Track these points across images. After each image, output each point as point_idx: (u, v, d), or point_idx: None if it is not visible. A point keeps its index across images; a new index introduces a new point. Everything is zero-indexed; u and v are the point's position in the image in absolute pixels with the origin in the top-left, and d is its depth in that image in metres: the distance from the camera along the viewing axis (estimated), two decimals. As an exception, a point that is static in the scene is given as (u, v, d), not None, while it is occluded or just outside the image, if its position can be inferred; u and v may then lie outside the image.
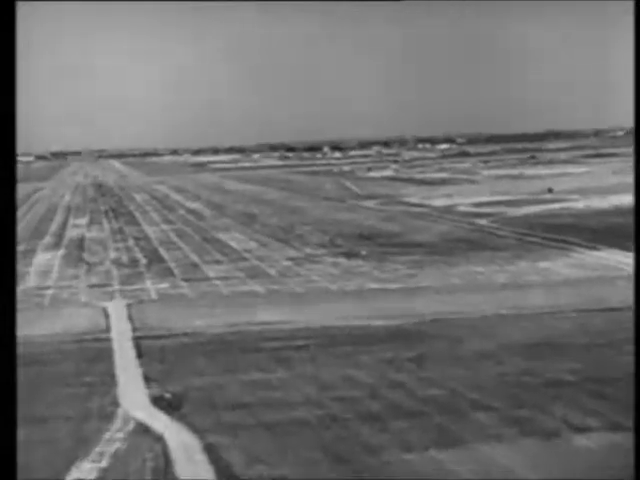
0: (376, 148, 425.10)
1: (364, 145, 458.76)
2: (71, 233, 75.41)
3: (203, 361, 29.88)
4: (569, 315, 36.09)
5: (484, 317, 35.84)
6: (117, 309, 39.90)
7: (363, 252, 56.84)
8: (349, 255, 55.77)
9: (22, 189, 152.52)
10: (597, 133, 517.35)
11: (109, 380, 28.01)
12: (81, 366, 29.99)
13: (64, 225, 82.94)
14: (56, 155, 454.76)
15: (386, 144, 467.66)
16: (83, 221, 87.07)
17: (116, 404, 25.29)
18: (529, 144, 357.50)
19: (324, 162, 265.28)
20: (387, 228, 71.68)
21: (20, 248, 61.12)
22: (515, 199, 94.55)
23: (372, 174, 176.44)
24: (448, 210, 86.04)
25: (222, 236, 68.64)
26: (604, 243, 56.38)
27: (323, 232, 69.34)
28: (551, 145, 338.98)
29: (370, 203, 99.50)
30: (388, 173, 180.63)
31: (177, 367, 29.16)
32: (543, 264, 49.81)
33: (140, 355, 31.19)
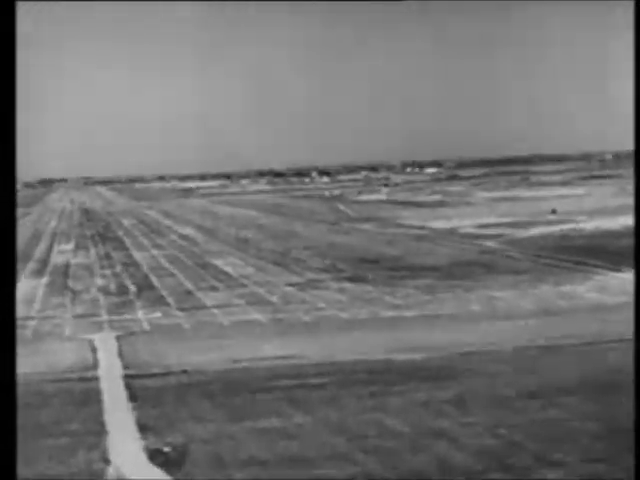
0: (364, 173, 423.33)
1: (352, 170, 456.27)
2: (56, 259, 71.28)
3: (206, 405, 25.82)
4: (611, 345, 32.20)
5: (518, 349, 31.92)
6: (106, 342, 35.88)
7: (369, 276, 53.07)
8: (354, 280, 51.97)
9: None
10: (585, 157, 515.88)
11: (97, 428, 23.92)
12: (65, 411, 25.85)
13: (49, 251, 78.76)
14: (43, 183, 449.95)
15: (373, 169, 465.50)
16: (69, 247, 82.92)
17: (105, 460, 21.17)
18: (518, 167, 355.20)
19: (313, 187, 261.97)
20: (389, 251, 67.96)
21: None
22: (518, 221, 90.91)
23: (363, 197, 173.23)
24: (451, 232, 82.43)
25: (217, 262, 64.66)
26: (624, 264, 52.57)
27: (322, 256, 65.65)
28: (539, 168, 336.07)
29: (366, 226, 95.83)
30: (379, 197, 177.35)
31: (176, 412, 25.06)
32: (566, 288, 46.12)
33: (133, 397, 27.05)
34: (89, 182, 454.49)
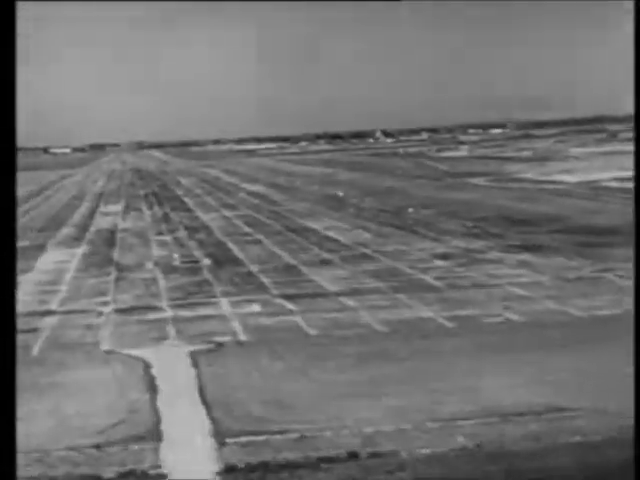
0: (425, 134, 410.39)
1: (412, 131, 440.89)
2: (99, 223, 54.92)
3: None
4: None
5: None
6: (172, 367, 19.33)
7: (554, 243, 35.94)
8: (531, 249, 34.81)
9: (45, 177, 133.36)
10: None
11: None
12: None
13: (91, 214, 62.36)
14: (94, 147, 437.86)
15: (433, 130, 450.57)
16: (116, 208, 66.51)
17: None
18: (589, 126, 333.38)
19: (380, 146, 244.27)
20: (541, 209, 50.71)
21: (20, 244, 40.58)
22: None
23: (445, 154, 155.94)
24: (593, 187, 64.86)
25: (313, 224, 47.81)
26: None
27: (450, 215, 48.67)
28: (614, 127, 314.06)
29: (478, 180, 78.45)
30: (462, 153, 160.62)
31: None
32: None
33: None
34: (142, 146, 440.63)
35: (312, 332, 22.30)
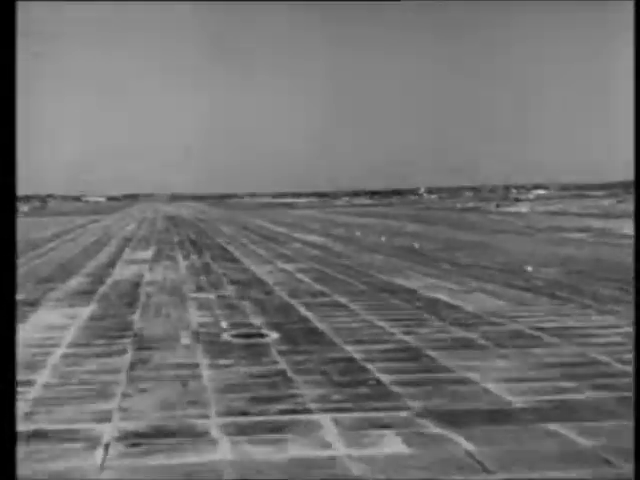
0: (467, 193, 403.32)
1: (455, 190, 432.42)
2: (120, 272, 42.35)
3: None
4: None
5: None
6: None
7: None
8: None
9: (70, 222, 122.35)
10: None
11: None
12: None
13: (112, 261, 49.89)
14: (127, 197, 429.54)
15: (474, 189, 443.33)
16: (144, 255, 54.04)
17: None
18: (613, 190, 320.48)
19: (426, 202, 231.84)
20: None
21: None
22: None
23: (506, 209, 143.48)
24: None
25: (404, 282, 35.11)
26: None
27: (584, 275, 35.90)
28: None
29: (574, 235, 65.50)
30: (521, 209, 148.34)
31: None
32: None
33: None
34: (177, 197, 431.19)
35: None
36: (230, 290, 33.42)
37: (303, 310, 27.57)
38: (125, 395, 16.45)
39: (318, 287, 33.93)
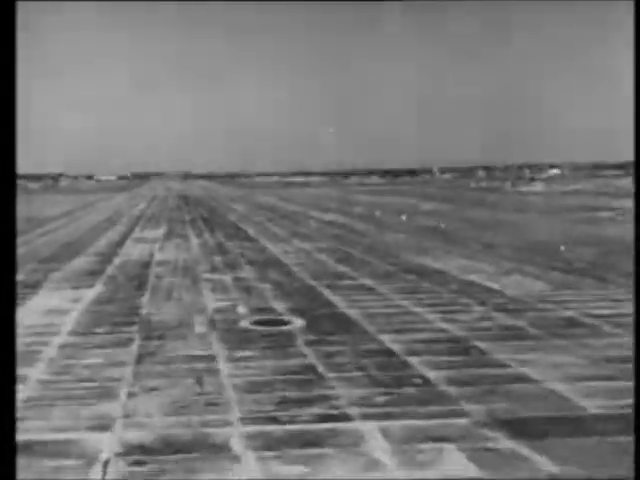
0: (480, 172, 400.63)
1: (468, 170, 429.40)
2: (129, 252, 39.90)
3: None
4: None
5: None
6: None
7: None
8: None
9: (80, 200, 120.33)
10: None
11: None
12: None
13: (122, 240, 47.49)
14: (139, 176, 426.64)
15: (486, 168, 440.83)
16: (155, 234, 51.63)
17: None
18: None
19: (441, 182, 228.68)
20: None
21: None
22: None
23: (523, 189, 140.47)
24: None
25: (433, 264, 32.62)
26: None
27: (624, 255, 33.29)
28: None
29: (605, 215, 62.73)
30: (538, 189, 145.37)
31: None
32: None
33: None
34: (188, 176, 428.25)
35: None
36: (247, 271, 30.99)
37: (328, 293, 25.12)
38: (130, 395, 14.04)
39: (341, 268, 31.46)
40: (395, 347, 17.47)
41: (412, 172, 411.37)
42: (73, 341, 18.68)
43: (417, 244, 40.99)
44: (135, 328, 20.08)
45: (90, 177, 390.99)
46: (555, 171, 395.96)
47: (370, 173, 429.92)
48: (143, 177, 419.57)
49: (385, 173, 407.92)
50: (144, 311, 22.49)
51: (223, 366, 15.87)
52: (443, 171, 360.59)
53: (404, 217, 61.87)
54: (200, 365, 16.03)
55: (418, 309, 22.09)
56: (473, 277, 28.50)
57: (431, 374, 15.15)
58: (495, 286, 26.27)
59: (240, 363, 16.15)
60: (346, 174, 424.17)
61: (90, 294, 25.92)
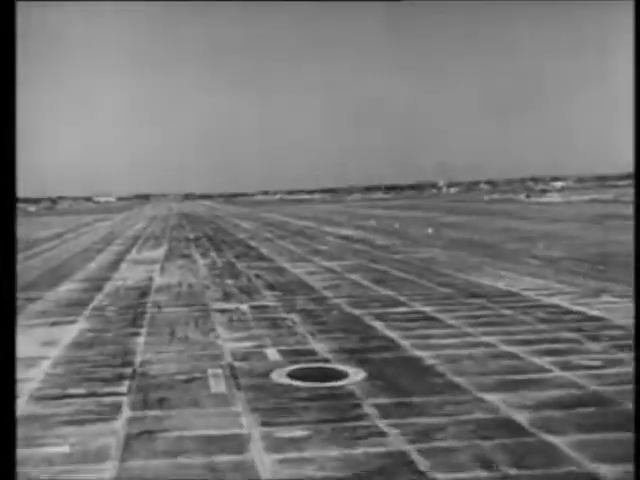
0: (484, 186, 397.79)
1: (471, 184, 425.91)
2: (124, 277, 33.73)
3: None
4: None
5: None
6: None
7: None
8: None
9: (77, 220, 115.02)
10: None
11: None
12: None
13: (116, 262, 41.37)
14: (139, 197, 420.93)
15: (489, 183, 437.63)
16: (155, 254, 45.46)
17: None
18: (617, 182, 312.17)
19: (450, 196, 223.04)
20: None
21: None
22: None
23: (541, 200, 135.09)
24: None
25: (485, 281, 26.72)
26: None
27: None
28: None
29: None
30: (556, 199, 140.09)
31: None
32: None
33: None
34: (190, 197, 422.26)
35: None
36: (268, 298, 24.93)
37: (381, 327, 19.05)
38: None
39: (384, 291, 25.40)
40: (520, 418, 11.37)
41: (415, 187, 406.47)
42: (30, 413, 12.62)
43: (461, 259, 35.00)
44: (124, 388, 14.03)
45: (89, 199, 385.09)
46: (561, 183, 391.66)
47: (372, 189, 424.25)
48: (143, 198, 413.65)
49: (388, 189, 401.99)
50: (138, 359, 16.45)
51: (260, 459, 9.79)
52: (449, 185, 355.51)
53: (430, 230, 55.88)
54: (224, 459, 9.96)
55: (514, 349, 16.04)
56: (556, 300, 22.47)
57: (592, 466, 9.07)
58: (592, 312, 20.25)
59: (289, 454, 10.07)
60: (350, 190, 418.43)
61: (70, 333, 19.88)
